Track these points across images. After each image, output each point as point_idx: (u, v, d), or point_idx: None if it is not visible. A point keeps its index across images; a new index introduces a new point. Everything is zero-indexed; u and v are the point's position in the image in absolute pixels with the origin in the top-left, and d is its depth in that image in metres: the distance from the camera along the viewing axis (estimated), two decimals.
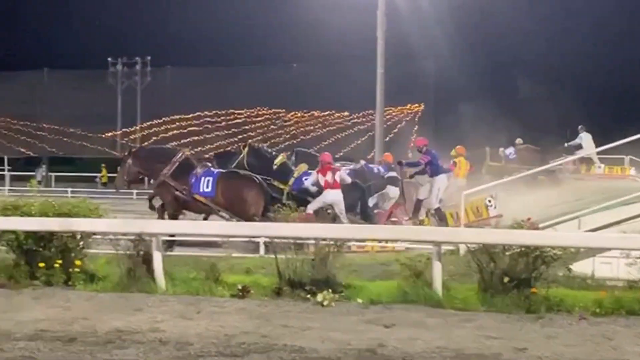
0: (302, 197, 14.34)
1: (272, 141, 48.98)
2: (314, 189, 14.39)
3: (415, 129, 46.27)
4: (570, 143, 22.78)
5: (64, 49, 51.23)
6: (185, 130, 51.45)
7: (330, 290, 8.86)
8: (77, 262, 9.82)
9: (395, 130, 45.38)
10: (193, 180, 14.01)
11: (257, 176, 14.26)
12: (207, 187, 13.86)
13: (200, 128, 51.92)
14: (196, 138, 51.01)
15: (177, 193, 14.02)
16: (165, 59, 49.87)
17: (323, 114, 50.19)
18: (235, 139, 50.39)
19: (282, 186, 14.73)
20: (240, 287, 9.20)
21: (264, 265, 10.70)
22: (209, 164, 14.97)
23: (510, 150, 22.46)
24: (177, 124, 51.78)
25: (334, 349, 6.84)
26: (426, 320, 8.02)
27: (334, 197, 14.07)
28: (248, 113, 51.48)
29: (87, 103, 45.35)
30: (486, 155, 21.92)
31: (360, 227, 9.48)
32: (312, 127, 50.41)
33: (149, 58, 49.70)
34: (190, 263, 10.56)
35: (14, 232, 9.80)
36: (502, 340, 7.17)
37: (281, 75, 45.40)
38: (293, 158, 16.25)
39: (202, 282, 9.51)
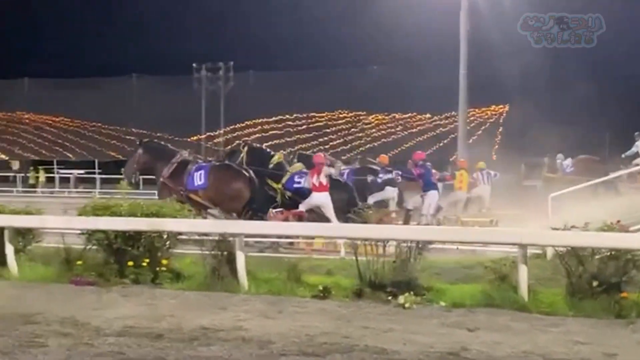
0: (293, 197, 14.59)
1: (353, 144, 49.08)
2: (306, 187, 14.36)
3: (499, 130, 45.41)
4: (626, 153, 21.86)
5: (150, 56, 52.78)
6: (267, 134, 52.15)
7: (411, 293, 8.78)
8: (164, 261, 10.09)
9: (479, 132, 44.66)
10: (187, 178, 14.50)
11: (250, 170, 14.57)
12: (200, 179, 14.36)
13: (282, 131, 52.51)
14: (277, 141, 51.52)
15: (174, 196, 14.33)
16: (248, 64, 50.63)
17: (404, 116, 49.88)
18: (317, 142, 50.80)
19: (275, 185, 14.94)
20: (321, 288, 9.23)
21: (345, 267, 10.71)
22: (200, 160, 15.59)
23: (567, 162, 22.04)
24: (260, 127, 52.55)
25: (416, 351, 6.76)
26: (511, 324, 7.83)
27: (320, 199, 14.05)
28: (329, 116, 51.73)
29: (172, 108, 46.61)
30: (544, 166, 21.93)
31: (444, 228, 9.37)
32: (393, 130, 50.15)
33: (232, 63, 50.57)
34: (272, 263, 10.69)
35: (104, 231, 10.16)
36: (591, 346, 6.93)
37: (362, 78, 45.42)
38: (295, 160, 16.37)
39: (284, 283, 9.60)
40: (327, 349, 6.79)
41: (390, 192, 16.52)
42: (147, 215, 10.24)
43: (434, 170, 17.78)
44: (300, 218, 13.92)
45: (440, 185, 17.61)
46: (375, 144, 48.15)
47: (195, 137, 50.61)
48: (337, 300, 9.03)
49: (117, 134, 52.33)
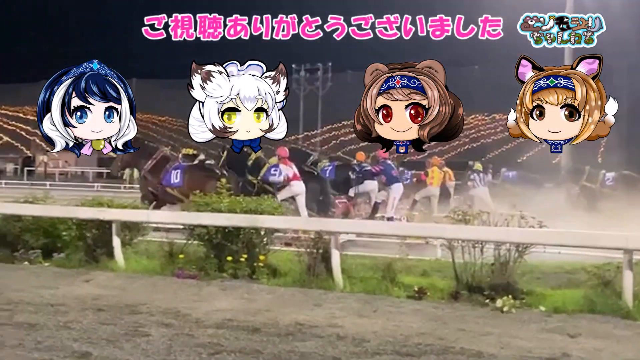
0: (268, 189, 15.78)
1: (451, 145, 48.40)
2: (279, 179, 15.68)
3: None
4: None
5: (251, 57, 53.69)
6: None
7: (510, 296, 8.59)
8: (261, 257, 10.28)
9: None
10: (165, 174, 16.05)
11: (221, 170, 16.15)
12: (177, 178, 15.88)
13: None
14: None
15: (151, 188, 16.18)
16: (346, 64, 50.78)
17: (505, 116, 48.86)
18: None
19: (254, 180, 16.22)
20: (416, 289, 9.17)
21: (441, 269, 10.59)
22: (180, 160, 16.97)
23: (609, 176, 21.91)
24: None
25: (513, 355, 6.61)
26: (614, 331, 7.54)
27: (299, 188, 15.48)
28: None
29: None
30: (583, 175, 22.20)
31: (545, 231, 9.10)
32: (493, 131, 49.14)
33: (330, 64, 50.89)
34: (367, 262, 10.70)
35: (205, 226, 10.48)
36: None
37: (462, 77, 44.75)
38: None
39: (379, 282, 9.58)
40: (422, 350, 6.75)
41: (369, 185, 17.59)
42: (245, 212, 10.46)
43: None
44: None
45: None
46: (474, 145, 47.38)
47: (292, 137, 51.33)
48: (432, 301, 8.95)
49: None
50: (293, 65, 51.17)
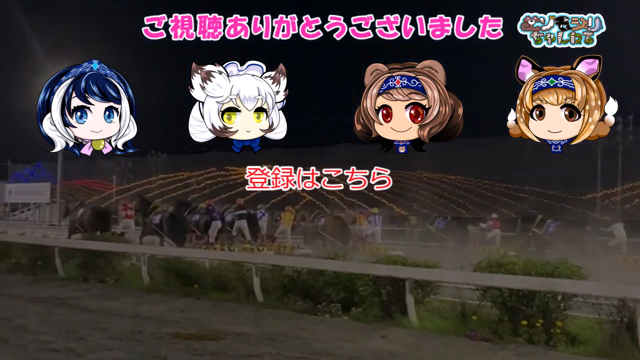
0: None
1: None
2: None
3: None
4: (603, 229, 23.50)
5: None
6: None
7: None
8: (558, 323, 9.78)
9: None
10: (75, 213, 24.53)
11: (95, 208, 26.09)
12: (79, 214, 24.14)
13: None
14: None
15: (70, 225, 24.94)
16: None
17: None
18: None
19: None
20: None
21: None
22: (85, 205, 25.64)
23: (552, 224, 24.01)
24: None
25: None
26: None
27: (126, 223, 25.02)
28: None
29: (567, 165, 45.31)
30: (535, 221, 24.85)
31: None
32: None
33: (631, 117, 47.44)
34: None
35: (498, 288, 10.29)
36: None
37: None
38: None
39: None
40: None
41: (240, 224, 23.70)
42: (541, 275, 10.09)
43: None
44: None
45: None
46: None
47: (590, 195, 48.55)
48: None
49: (509, 191, 52.81)
50: None
